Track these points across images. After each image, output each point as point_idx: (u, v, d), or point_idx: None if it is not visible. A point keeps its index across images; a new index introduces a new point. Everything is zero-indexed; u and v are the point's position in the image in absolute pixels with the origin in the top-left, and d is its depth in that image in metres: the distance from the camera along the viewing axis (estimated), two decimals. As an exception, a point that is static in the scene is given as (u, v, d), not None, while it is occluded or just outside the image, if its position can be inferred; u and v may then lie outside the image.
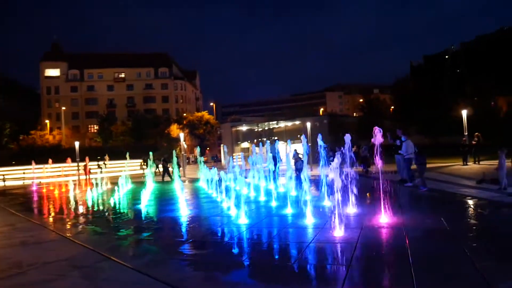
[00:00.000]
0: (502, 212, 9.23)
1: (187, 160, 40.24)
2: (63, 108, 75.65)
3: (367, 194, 12.65)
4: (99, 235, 8.83)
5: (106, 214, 11.92)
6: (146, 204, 13.28)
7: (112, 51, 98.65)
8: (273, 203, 11.45)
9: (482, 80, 58.83)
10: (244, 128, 43.86)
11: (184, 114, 79.98)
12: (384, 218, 8.05)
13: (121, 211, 12.44)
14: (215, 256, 6.26)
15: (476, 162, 24.74)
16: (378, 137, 8.93)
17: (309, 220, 8.38)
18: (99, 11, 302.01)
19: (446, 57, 77.23)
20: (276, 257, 6.13)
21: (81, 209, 13.25)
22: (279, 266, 5.61)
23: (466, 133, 28.61)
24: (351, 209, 9.28)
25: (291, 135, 43.03)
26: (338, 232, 6.97)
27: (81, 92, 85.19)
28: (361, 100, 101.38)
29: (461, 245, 5.89)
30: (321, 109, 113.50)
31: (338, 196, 7.23)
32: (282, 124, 43.38)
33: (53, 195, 19.45)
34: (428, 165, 20.64)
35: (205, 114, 77.24)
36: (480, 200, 10.67)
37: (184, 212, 10.76)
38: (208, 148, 73.09)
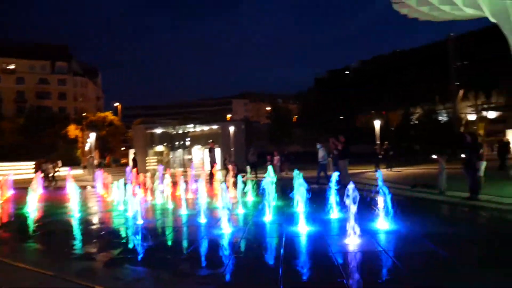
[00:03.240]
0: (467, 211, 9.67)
1: (96, 164, 36.58)
2: None
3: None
4: (44, 253, 6.96)
5: (29, 225, 9.70)
6: (74, 212, 11.23)
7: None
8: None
9: (377, 95, 64.83)
10: (158, 130, 41.47)
11: (84, 114, 73.63)
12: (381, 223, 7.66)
13: (45, 221, 10.27)
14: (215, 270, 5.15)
15: (389, 169, 26.36)
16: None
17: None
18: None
19: (347, 72, 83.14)
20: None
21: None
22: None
23: (378, 142, 30.76)
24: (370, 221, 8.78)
25: (207, 140, 41.93)
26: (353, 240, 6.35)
27: (-43, 82, 73.16)
28: (268, 108, 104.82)
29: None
30: (228, 116, 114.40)
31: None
32: (198, 128, 42.07)
33: None
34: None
35: (109, 115, 71.98)
36: (435, 202, 11.23)
37: (133, 221, 9.15)
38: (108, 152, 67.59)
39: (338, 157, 16.15)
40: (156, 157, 41.51)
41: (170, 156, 41.67)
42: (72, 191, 15.14)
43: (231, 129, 32.18)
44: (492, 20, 13.95)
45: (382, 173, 8.51)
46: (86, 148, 53.42)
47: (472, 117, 62.18)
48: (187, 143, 43.21)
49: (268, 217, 8.85)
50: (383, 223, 7.43)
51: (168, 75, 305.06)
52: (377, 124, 31.70)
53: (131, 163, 22.98)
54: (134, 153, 25.81)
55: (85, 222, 9.93)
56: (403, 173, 23.09)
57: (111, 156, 67.02)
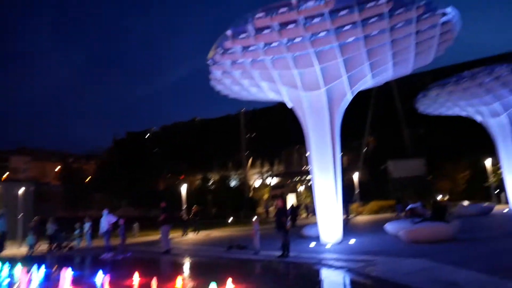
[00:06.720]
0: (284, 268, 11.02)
1: None
2: None
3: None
4: None
5: None
6: None
7: None
8: None
9: (177, 160, 67.23)
10: None
11: None
12: None
13: None
14: None
15: (196, 232, 27.02)
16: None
17: None
18: None
19: (147, 135, 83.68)
20: None
21: None
22: None
23: (185, 206, 31.59)
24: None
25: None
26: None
27: None
28: (58, 168, 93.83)
29: None
30: (5, 175, 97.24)
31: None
32: (-31, 189, 34.59)
33: None
34: (146, 237, 21.96)
35: None
36: (255, 262, 12.36)
37: None
38: None
39: (161, 223, 16.12)
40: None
41: None
42: None
43: (20, 191, 27.57)
44: (289, 104, 17.06)
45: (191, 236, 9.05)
46: None
47: (258, 182, 71.09)
48: None
49: None
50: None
51: None
52: (183, 189, 32.67)
53: None
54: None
55: None
56: (212, 235, 24.15)
57: None
